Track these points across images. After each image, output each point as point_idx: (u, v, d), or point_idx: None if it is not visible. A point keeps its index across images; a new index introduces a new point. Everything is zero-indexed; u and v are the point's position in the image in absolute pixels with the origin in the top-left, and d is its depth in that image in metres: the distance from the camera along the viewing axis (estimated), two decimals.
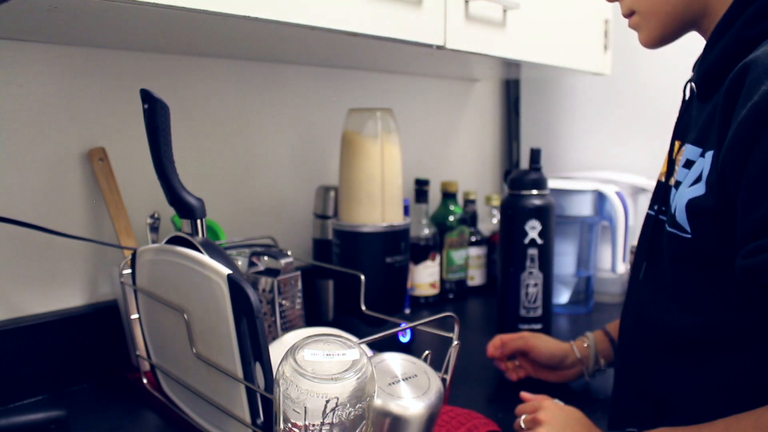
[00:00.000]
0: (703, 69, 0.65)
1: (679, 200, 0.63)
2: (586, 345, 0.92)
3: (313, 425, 0.52)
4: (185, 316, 0.71)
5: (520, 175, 1.09)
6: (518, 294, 1.07)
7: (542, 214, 1.06)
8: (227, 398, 0.68)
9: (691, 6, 0.66)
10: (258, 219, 1.19)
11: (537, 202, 1.06)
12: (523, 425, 0.73)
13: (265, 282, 0.93)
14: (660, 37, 0.70)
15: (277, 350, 0.77)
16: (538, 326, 1.08)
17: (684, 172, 0.64)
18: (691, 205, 0.61)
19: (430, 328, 0.87)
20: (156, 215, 0.99)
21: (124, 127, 0.99)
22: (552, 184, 1.38)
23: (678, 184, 0.65)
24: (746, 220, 0.53)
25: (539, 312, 1.08)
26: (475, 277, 1.42)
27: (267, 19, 0.72)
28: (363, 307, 0.94)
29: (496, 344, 0.95)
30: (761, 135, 0.51)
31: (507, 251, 1.09)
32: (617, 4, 0.74)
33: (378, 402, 0.60)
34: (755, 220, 0.52)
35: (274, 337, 0.92)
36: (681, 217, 0.62)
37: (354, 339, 0.81)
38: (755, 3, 0.60)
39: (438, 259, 1.35)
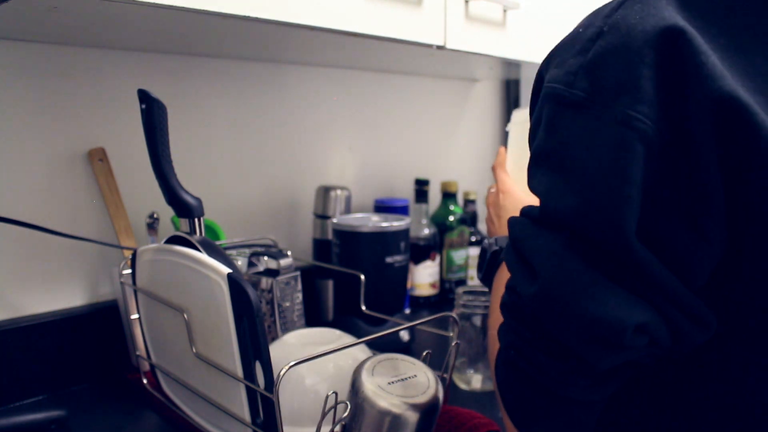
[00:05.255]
0: None
1: None
2: None
3: None
4: (185, 315, 0.71)
5: None
6: None
7: None
8: (227, 398, 0.68)
9: None
10: (258, 219, 1.20)
11: None
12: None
13: (265, 282, 0.93)
14: None
15: (277, 350, 0.77)
16: None
17: None
18: None
19: (430, 327, 0.87)
20: (155, 215, 0.99)
21: (124, 127, 0.99)
22: None
23: None
24: None
25: None
26: (475, 277, 1.42)
27: (267, 19, 0.72)
28: (363, 307, 0.94)
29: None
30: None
31: None
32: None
33: (378, 401, 0.60)
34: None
35: (274, 338, 0.92)
36: None
37: (354, 339, 0.82)
38: None
39: (438, 259, 1.35)
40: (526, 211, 0.51)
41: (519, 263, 0.49)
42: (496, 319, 0.62)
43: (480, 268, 0.76)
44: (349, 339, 0.83)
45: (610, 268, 0.43)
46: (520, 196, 0.85)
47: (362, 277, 0.95)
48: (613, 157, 0.42)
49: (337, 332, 0.86)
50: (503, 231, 0.81)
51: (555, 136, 0.47)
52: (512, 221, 0.52)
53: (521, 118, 0.89)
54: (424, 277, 1.32)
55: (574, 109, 0.45)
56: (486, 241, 0.77)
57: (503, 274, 0.69)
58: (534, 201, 0.74)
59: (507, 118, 1.77)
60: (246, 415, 0.66)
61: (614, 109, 0.43)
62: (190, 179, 0.85)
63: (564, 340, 0.45)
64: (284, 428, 0.63)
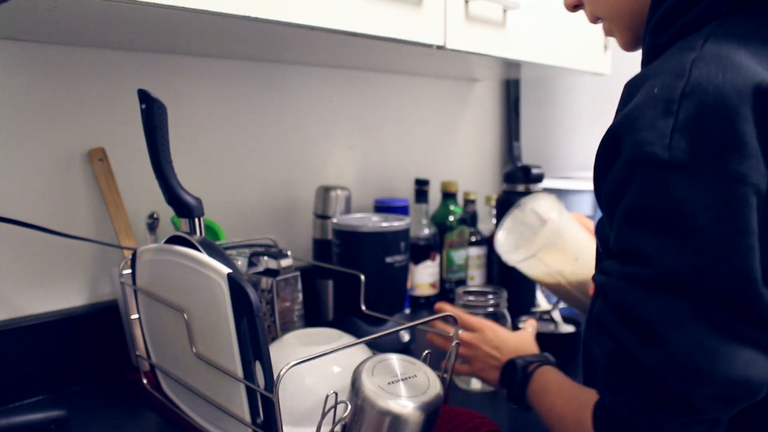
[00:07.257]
0: None
1: None
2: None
3: None
4: (185, 315, 0.71)
5: (515, 170, 1.09)
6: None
7: None
8: (227, 398, 0.68)
9: (646, 6, 0.60)
10: (258, 219, 1.20)
11: None
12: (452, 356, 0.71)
13: (265, 282, 0.93)
14: (632, 39, 0.66)
15: (277, 350, 0.77)
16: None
17: None
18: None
19: (430, 328, 0.87)
20: (155, 215, 0.99)
21: (124, 127, 0.99)
22: (552, 184, 1.38)
23: None
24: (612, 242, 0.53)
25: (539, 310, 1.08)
26: (475, 277, 1.42)
27: (267, 19, 0.72)
28: (363, 307, 0.94)
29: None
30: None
31: None
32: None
33: (378, 401, 0.60)
34: (613, 245, 0.52)
35: (274, 338, 0.92)
36: None
37: (354, 339, 0.82)
38: (663, 6, 0.56)
39: (438, 259, 1.35)
40: (628, 274, 0.49)
41: (629, 328, 0.48)
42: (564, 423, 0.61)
43: (509, 385, 0.75)
44: (349, 339, 0.83)
45: (736, 326, 0.45)
46: (502, 329, 0.84)
47: (362, 277, 0.95)
48: (731, 212, 0.44)
49: (337, 332, 0.86)
50: (509, 357, 0.78)
51: (658, 197, 0.47)
52: (605, 284, 0.51)
53: (526, 263, 0.91)
54: (424, 277, 1.32)
55: (675, 171, 0.46)
56: (510, 362, 0.76)
57: (543, 380, 0.69)
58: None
59: (507, 118, 1.77)
60: (246, 415, 0.66)
61: (723, 167, 0.45)
62: (190, 179, 0.84)
63: (693, 399, 0.46)
64: (284, 428, 0.63)
